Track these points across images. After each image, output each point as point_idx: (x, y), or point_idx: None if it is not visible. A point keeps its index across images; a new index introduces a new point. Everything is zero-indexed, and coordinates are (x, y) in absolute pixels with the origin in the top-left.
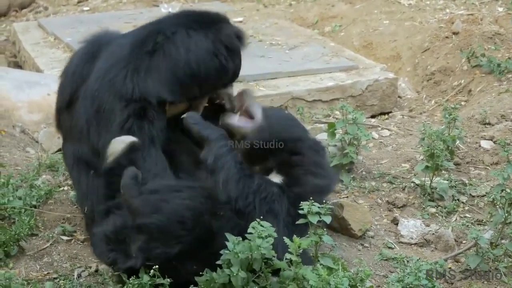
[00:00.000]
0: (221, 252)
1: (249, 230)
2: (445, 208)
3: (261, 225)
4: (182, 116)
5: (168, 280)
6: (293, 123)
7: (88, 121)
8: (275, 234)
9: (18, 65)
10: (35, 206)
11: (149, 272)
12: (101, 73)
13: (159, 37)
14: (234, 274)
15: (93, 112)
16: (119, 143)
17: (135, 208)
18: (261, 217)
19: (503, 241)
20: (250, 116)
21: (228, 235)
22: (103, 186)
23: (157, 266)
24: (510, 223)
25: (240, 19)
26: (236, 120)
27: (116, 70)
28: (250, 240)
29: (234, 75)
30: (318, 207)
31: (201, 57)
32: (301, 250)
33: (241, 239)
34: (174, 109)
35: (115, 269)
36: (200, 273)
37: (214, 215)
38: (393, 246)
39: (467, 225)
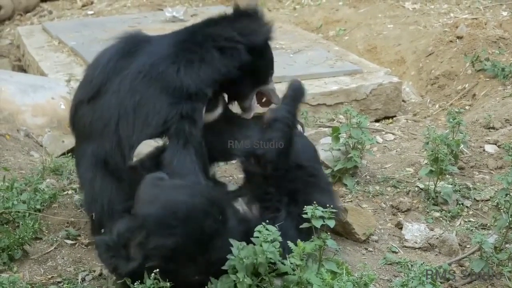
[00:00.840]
0: (228, 256)
1: (255, 234)
2: (449, 212)
3: (267, 229)
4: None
5: (168, 284)
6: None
7: (122, 112)
8: (280, 238)
9: (22, 69)
10: (39, 210)
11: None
12: (145, 68)
13: (207, 43)
14: (240, 280)
15: (131, 104)
16: (147, 146)
17: (139, 193)
18: None
19: (507, 245)
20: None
21: (232, 240)
22: (122, 184)
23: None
24: None
25: None
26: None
27: (164, 66)
28: (255, 244)
29: (268, 70)
30: (322, 211)
31: (243, 55)
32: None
33: (245, 244)
34: (211, 116)
35: (118, 276)
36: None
37: (211, 218)
38: (397, 250)
39: (471, 230)
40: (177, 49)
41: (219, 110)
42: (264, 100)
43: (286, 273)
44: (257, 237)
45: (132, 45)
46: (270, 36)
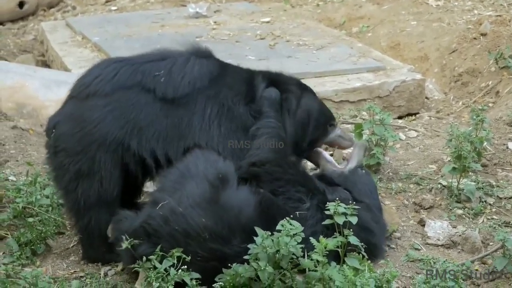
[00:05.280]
0: (249, 246)
1: (278, 227)
2: (472, 210)
3: (290, 224)
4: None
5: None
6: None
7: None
8: (303, 234)
9: (46, 64)
10: (62, 205)
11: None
12: (227, 103)
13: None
14: (262, 269)
15: (216, 133)
16: None
17: None
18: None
19: None
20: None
21: (257, 229)
22: None
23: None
24: None
25: (267, 19)
26: (327, 156)
27: (242, 108)
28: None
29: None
30: (345, 208)
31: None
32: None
33: (269, 233)
34: None
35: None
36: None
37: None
38: (419, 247)
39: (494, 227)
40: (247, 89)
41: None
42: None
43: (308, 270)
44: (280, 230)
45: (217, 72)
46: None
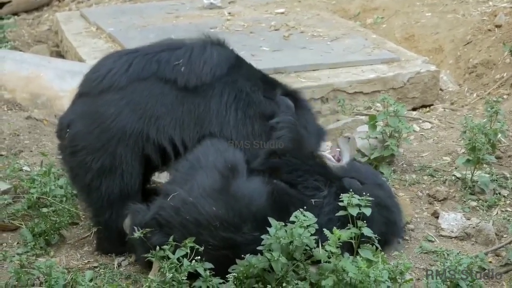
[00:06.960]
0: (263, 237)
1: (291, 219)
2: (486, 202)
3: (304, 215)
4: None
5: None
6: (373, 173)
7: (222, 118)
8: (316, 226)
9: (60, 55)
10: (76, 195)
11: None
12: (245, 90)
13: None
14: (275, 259)
15: (233, 118)
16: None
17: None
18: None
19: None
20: (338, 159)
21: (271, 219)
22: None
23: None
24: None
25: (281, 10)
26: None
27: (258, 98)
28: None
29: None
30: (359, 199)
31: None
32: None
33: (283, 224)
34: None
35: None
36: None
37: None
38: (433, 239)
39: (508, 219)
40: (264, 86)
41: None
42: None
43: (321, 261)
44: (293, 221)
45: (234, 61)
46: None
